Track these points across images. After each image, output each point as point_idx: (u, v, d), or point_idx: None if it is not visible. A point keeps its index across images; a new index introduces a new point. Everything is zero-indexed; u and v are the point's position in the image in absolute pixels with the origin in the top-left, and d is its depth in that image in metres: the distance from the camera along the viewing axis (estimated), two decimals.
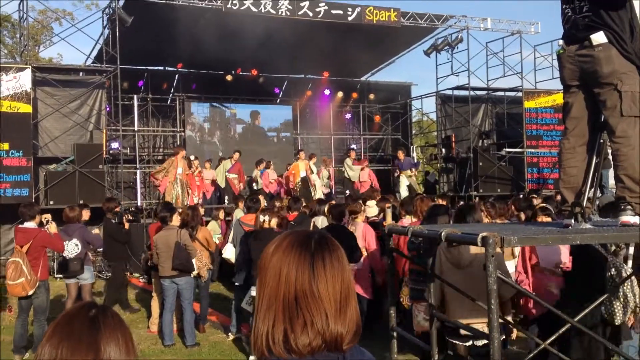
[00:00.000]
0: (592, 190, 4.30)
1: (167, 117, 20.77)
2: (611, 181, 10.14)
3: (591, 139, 4.30)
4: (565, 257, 5.84)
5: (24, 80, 14.04)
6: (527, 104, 19.30)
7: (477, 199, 16.50)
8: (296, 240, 1.70)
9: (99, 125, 15.42)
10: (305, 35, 16.77)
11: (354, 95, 22.80)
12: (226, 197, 16.98)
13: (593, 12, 4.12)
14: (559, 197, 6.50)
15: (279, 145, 21.84)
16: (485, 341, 4.91)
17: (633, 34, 4.10)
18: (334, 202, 11.96)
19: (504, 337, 4.81)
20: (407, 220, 8.21)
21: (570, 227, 4.01)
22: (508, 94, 20.98)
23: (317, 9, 16.10)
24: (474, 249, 4.71)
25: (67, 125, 15.05)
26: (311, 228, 9.39)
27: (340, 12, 16.42)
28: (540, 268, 6.19)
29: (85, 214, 10.02)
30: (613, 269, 4.55)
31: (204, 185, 16.41)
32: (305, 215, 10.36)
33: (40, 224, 8.19)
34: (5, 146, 13.79)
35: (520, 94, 19.65)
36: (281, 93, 22.41)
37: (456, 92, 20.78)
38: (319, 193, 16.17)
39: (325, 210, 9.83)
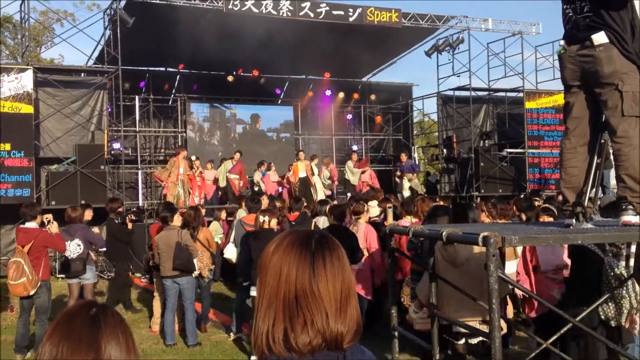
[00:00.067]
0: (594, 190, 4.30)
1: (169, 118, 20.79)
2: (612, 181, 10.14)
3: (592, 139, 4.30)
4: (566, 259, 5.84)
5: (25, 81, 14.06)
6: (529, 105, 19.30)
7: (478, 199, 16.49)
8: (297, 239, 1.70)
9: (100, 126, 15.43)
10: (307, 36, 16.78)
11: (355, 95, 22.80)
12: (228, 198, 16.97)
13: (594, 12, 4.12)
14: (560, 197, 6.50)
15: (279, 145, 21.84)
16: (480, 338, 4.92)
17: (634, 34, 4.10)
18: (335, 202, 11.97)
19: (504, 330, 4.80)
20: (407, 221, 8.21)
21: (571, 227, 4.02)
22: (509, 94, 20.97)
23: (318, 10, 16.11)
24: (476, 248, 4.71)
25: (68, 126, 15.06)
26: (312, 228, 9.39)
27: (342, 12, 16.42)
28: (542, 272, 6.19)
29: (88, 214, 10.03)
30: (609, 271, 4.54)
31: (205, 186, 16.43)
32: (306, 215, 10.36)
33: (42, 224, 8.19)
34: (7, 147, 13.81)
35: (521, 94, 19.64)
36: (282, 94, 22.43)
37: (457, 93, 20.79)
38: (320, 194, 16.17)
39: (327, 211, 9.84)
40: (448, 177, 21.62)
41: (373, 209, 10.01)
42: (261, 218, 7.97)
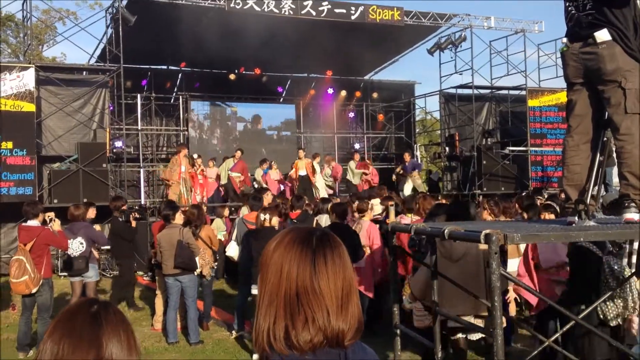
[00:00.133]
0: (596, 187, 4.29)
1: (171, 116, 20.79)
2: (615, 179, 10.13)
3: (595, 136, 4.29)
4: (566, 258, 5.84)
5: (27, 79, 14.07)
6: (531, 103, 19.28)
7: (480, 197, 16.48)
8: (297, 236, 1.69)
9: (102, 124, 15.44)
10: (309, 34, 16.77)
11: (357, 94, 22.78)
12: (229, 196, 16.97)
13: (596, 9, 4.11)
14: (562, 195, 6.49)
15: (280, 144, 21.83)
16: (481, 335, 4.92)
17: (637, 32, 4.09)
18: (338, 200, 11.96)
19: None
20: (407, 219, 8.22)
21: (573, 225, 4.01)
22: (512, 92, 20.95)
23: (320, 8, 16.10)
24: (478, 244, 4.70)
25: (70, 124, 15.06)
26: (314, 226, 9.38)
27: (344, 11, 16.41)
28: (543, 269, 6.19)
29: (92, 213, 10.03)
30: (607, 270, 4.53)
31: (207, 184, 16.43)
32: (308, 213, 10.36)
33: (44, 222, 8.20)
34: (9, 145, 13.82)
35: (524, 92, 19.64)
36: (284, 92, 22.42)
37: (460, 91, 20.78)
38: (321, 192, 16.16)
39: (329, 209, 9.83)
40: (450, 175, 21.62)
41: (375, 207, 10.02)
42: (262, 216, 7.97)
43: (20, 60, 19.21)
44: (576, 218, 4.03)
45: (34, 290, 7.86)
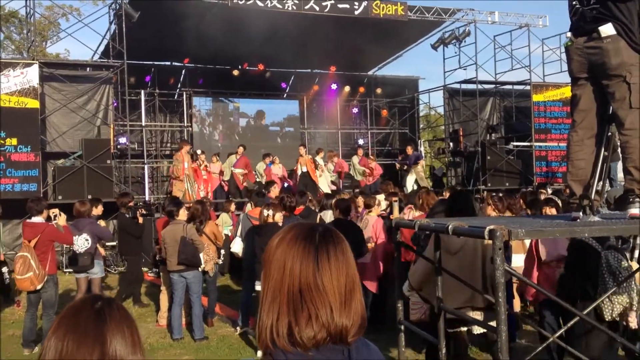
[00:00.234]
0: (601, 183, 4.27)
1: (174, 112, 20.79)
2: (620, 174, 10.09)
3: (599, 131, 4.27)
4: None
5: (31, 75, 14.10)
6: (536, 98, 19.24)
7: (485, 192, 16.46)
8: (300, 232, 1.68)
9: (106, 121, 15.47)
10: (312, 30, 16.75)
11: (361, 89, 22.75)
12: (230, 192, 16.99)
13: (601, 3, 4.08)
14: (567, 191, 6.48)
15: (284, 139, 21.82)
16: (483, 330, 4.91)
17: None
18: (344, 195, 11.96)
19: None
20: (410, 214, 8.23)
21: (578, 220, 3.99)
22: (516, 87, 20.90)
23: (324, 3, 16.06)
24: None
25: (74, 121, 15.09)
26: (318, 222, 9.38)
27: (347, 6, 16.37)
28: (545, 262, 6.19)
29: (99, 209, 10.04)
30: (604, 264, 4.51)
31: (211, 179, 16.43)
32: (311, 209, 10.36)
33: (48, 219, 8.21)
34: (14, 141, 13.86)
35: (528, 87, 19.59)
36: (288, 88, 22.40)
37: (464, 86, 20.72)
38: (324, 187, 16.13)
39: (332, 204, 9.83)
40: (455, 170, 21.59)
41: (381, 202, 10.03)
42: (265, 212, 7.96)
43: (24, 56, 19.23)
44: (581, 213, 4.02)
45: (38, 287, 7.88)
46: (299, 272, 1.61)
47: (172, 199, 10.07)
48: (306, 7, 15.90)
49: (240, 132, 21.22)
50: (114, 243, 13.46)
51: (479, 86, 19.82)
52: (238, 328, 8.82)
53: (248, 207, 11.16)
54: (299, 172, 16.64)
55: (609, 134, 4.32)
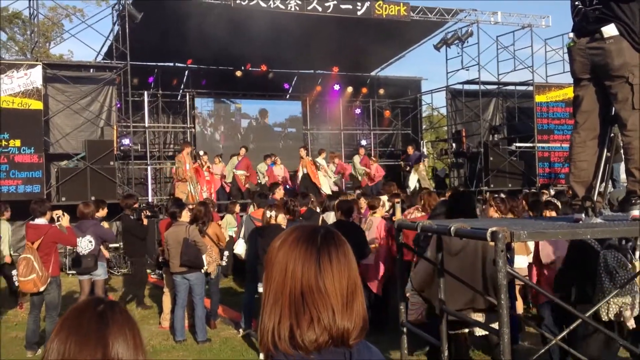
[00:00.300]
0: (603, 184, 4.27)
1: (178, 113, 20.82)
2: (623, 175, 10.08)
3: (602, 132, 4.26)
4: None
5: (34, 77, 14.12)
6: (538, 98, 19.21)
7: (487, 193, 16.44)
8: (302, 235, 1.69)
9: (109, 122, 15.49)
10: (315, 30, 16.75)
11: (364, 90, 22.76)
12: (232, 194, 16.99)
13: (603, 4, 4.07)
14: (570, 192, 6.47)
15: (286, 140, 21.82)
16: (485, 332, 4.91)
17: None
18: (353, 195, 11.96)
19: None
20: (412, 215, 8.24)
21: (580, 222, 3.99)
22: (519, 88, 20.87)
23: (327, 4, 16.08)
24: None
25: (78, 122, 15.12)
26: (320, 224, 9.38)
27: (350, 6, 16.39)
28: (545, 264, 6.19)
29: (103, 211, 10.04)
30: (602, 264, 4.50)
31: (214, 180, 16.45)
32: (313, 210, 10.35)
33: (51, 221, 8.21)
34: (17, 143, 13.88)
35: (531, 88, 19.56)
36: (291, 88, 22.41)
37: (466, 87, 20.71)
38: (326, 189, 16.12)
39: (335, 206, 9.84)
40: (457, 171, 21.58)
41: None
42: (268, 213, 7.95)
43: (28, 57, 19.25)
44: (583, 215, 4.01)
45: (41, 289, 7.87)
46: (301, 274, 1.62)
47: (174, 200, 10.08)
48: (309, 8, 15.92)
49: (242, 133, 21.23)
50: (117, 245, 13.47)
51: (482, 87, 19.81)
52: (241, 330, 8.82)
53: (251, 208, 11.17)
54: (300, 174, 16.63)
55: (612, 135, 4.31)
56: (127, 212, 10.84)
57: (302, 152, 16.96)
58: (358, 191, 14.90)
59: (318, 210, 10.89)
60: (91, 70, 16.06)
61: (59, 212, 8.39)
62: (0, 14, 24.83)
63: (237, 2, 15.26)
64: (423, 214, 7.82)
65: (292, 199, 9.66)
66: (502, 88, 21.15)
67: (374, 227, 8.65)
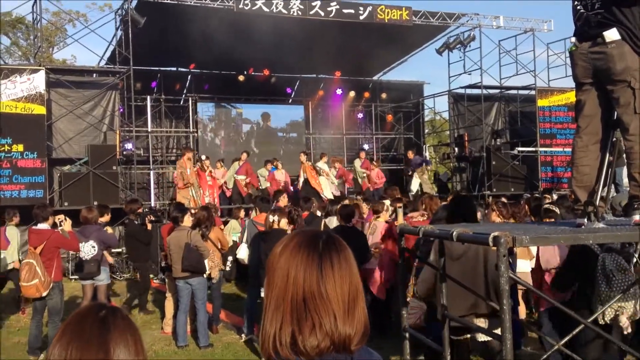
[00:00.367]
0: (605, 189, 4.26)
1: (180, 118, 20.85)
2: (625, 179, 10.07)
3: (604, 136, 4.25)
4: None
5: (37, 81, 14.16)
6: (541, 102, 19.21)
7: (490, 198, 16.42)
8: (304, 240, 1.68)
9: (112, 127, 15.52)
10: (317, 35, 16.79)
11: (366, 94, 22.77)
12: (232, 200, 16.99)
13: (605, 8, 4.07)
14: (572, 196, 6.46)
15: (287, 145, 21.83)
16: (487, 338, 4.89)
17: None
18: (347, 201, 11.95)
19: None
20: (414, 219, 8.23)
21: (583, 227, 3.98)
22: (521, 92, 20.87)
23: (329, 9, 16.11)
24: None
25: (80, 127, 15.15)
26: (322, 228, 9.38)
27: (352, 11, 16.41)
28: (545, 270, 6.18)
29: (106, 217, 10.04)
30: (600, 267, 4.48)
31: (216, 185, 16.45)
32: (315, 215, 10.35)
33: (54, 225, 8.21)
34: (20, 148, 13.91)
35: (533, 92, 19.55)
36: (293, 93, 22.42)
37: (469, 91, 20.72)
38: (327, 194, 16.11)
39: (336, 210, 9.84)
40: (460, 176, 21.57)
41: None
42: (271, 218, 7.94)
43: (31, 62, 19.31)
44: (585, 220, 4.00)
45: (44, 294, 7.87)
46: (303, 280, 1.61)
47: (176, 205, 10.08)
48: (311, 12, 15.95)
49: (244, 138, 21.24)
50: (120, 250, 13.47)
51: (484, 91, 19.81)
52: (243, 335, 8.80)
53: (253, 213, 11.16)
54: (301, 180, 16.62)
55: (614, 139, 4.30)
56: (132, 217, 10.84)
57: (302, 157, 16.95)
58: (359, 197, 14.89)
59: (319, 214, 10.89)
60: (94, 75, 16.10)
61: (61, 216, 8.39)
62: (3, 18, 24.90)
63: (240, 6, 15.29)
64: (425, 218, 7.81)
65: (296, 208, 9.66)
66: (504, 92, 21.14)
67: (378, 231, 8.64)
